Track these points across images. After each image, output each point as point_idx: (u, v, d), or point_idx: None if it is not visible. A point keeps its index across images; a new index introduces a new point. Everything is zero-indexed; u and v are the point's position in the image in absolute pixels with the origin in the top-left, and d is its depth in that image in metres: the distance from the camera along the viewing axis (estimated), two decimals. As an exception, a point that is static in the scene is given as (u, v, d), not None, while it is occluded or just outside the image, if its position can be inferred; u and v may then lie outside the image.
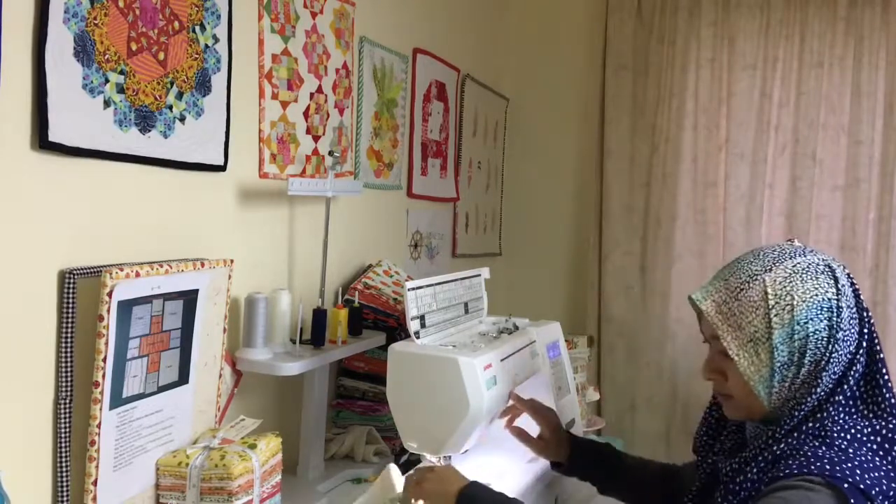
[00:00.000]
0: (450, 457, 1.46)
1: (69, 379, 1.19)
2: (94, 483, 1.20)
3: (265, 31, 1.65)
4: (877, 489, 1.00)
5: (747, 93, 3.04)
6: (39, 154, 1.14)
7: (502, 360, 1.47)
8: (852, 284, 1.13)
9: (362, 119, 2.06)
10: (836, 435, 1.07)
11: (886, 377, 1.13)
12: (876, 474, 1.03)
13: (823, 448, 1.05)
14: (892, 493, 1.03)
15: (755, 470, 1.08)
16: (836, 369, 1.08)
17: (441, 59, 2.53)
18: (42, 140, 1.13)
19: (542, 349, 1.70)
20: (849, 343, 1.09)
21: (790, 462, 1.04)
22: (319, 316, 1.65)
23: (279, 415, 1.77)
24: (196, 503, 1.29)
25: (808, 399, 1.07)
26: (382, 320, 1.91)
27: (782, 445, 1.07)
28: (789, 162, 3.04)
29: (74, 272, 1.18)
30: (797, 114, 3.01)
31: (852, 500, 0.98)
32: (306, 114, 1.81)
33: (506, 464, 1.71)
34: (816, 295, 1.08)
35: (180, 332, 1.36)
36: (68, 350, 1.18)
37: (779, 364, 1.07)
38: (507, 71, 3.17)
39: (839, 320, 1.08)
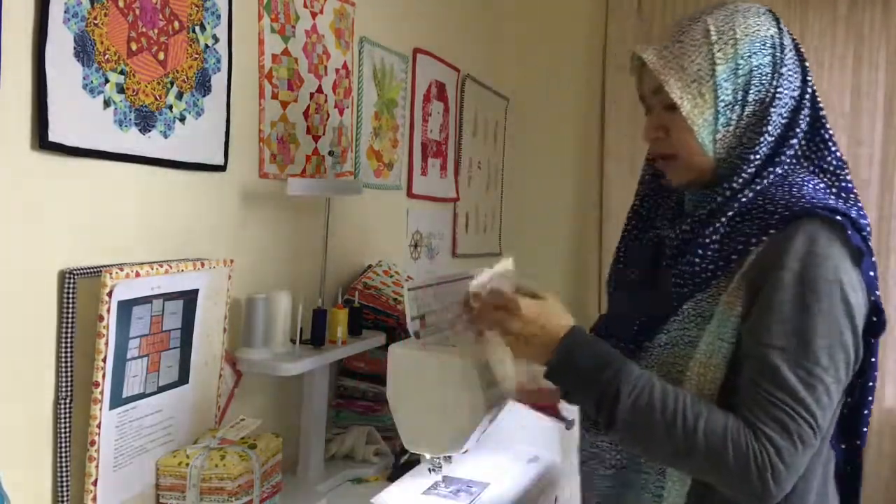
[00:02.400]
0: (450, 457, 1.46)
1: (69, 379, 1.19)
2: (94, 483, 1.20)
3: (265, 31, 1.65)
4: (863, 221, 1.00)
5: (747, 93, 3.04)
6: (39, 154, 1.14)
7: (502, 360, 1.47)
8: (789, 33, 1.10)
9: (362, 119, 2.06)
10: (799, 181, 1.03)
11: (831, 132, 1.09)
12: (851, 213, 1.01)
13: (796, 189, 1.01)
14: (869, 228, 1.02)
15: (724, 221, 1.02)
16: (782, 110, 1.05)
17: (441, 59, 2.53)
18: (42, 140, 1.13)
19: (542, 349, 1.70)
20: (793, 83, 1.06)
21: (770, 208, 1.00)
22: (319, 316, 1.65)
23: (279, 415, 1.77)
24: (196, 503, 1.29)
25: (761, 141, 1.03)
26: (382, 320, 1.91)
27: (749, 195, 1.02)
28: (789, 162, 3.04)
29: (74, 272, 1.18)
30: (797, 114, 3.00)
31: (849, 232, 0.96)
32: (306, 114, 1.81)
33: (506, 464, 1.71)
34: (759, 30, 1.05)
35: (180, 332, 1.36)
36: (68, 350, 1.18)
37: (723, 103, 1.03)
38: (507, 71, 3.17)
39: (783, 56, 1.05)
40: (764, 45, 1.04)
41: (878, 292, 0.98)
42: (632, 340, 1.11)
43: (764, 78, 1.04)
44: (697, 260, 1.03)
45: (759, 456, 0.92)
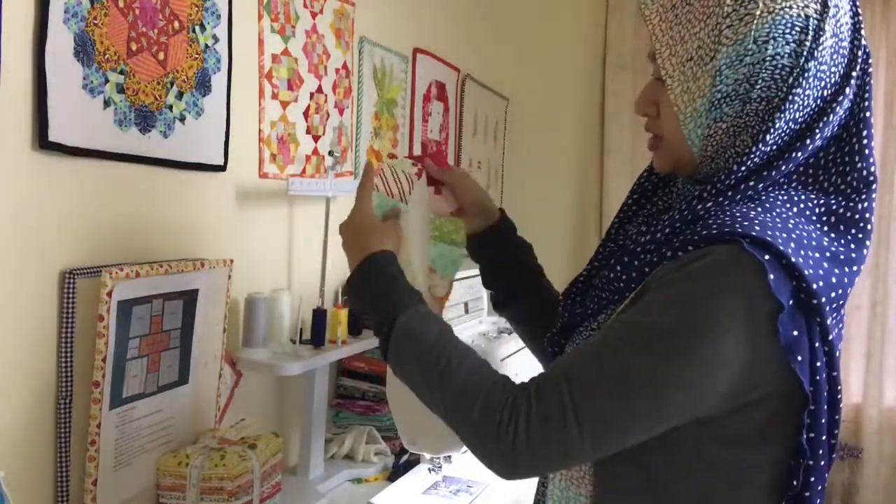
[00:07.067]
0: (450, 457, 1.47)
1: (69, 379, 1.19)
2: (94, 483, 1.20)
3: (265, 31, 1.65)
4: (812, 271, 0.78)
5: (747, 93, 3.04)
6: (39, 154, 1.14)
7: (502, 359, 1.47)
8: (856, 14, 0.89)
9: (362, 119, 2.06)
10: (778, 203, 0.86)
11: (866, 140, 0.88)
12: (818, 255, 0.82)
13: (758, 210, 0.84)
14: (834, 279, 0.81)
15: (666, 230, 0.86)
16: (796, 115, 0.84)
17: (441, 59, 2.53)
18: (42, 140, 1.13)
19: (542, 349, 1.70)
20: (822, 82, 0.85)
21: (709, 221, 0.83)
22: (319, 316, 1.65)
23: (279, 415, 1.77)
24: (196, 503, 1.29)
25: (754, 151, 0.84)
26: (382, 320, 1.91)
27: (709, 205, 0.85)
28: (789, 162, 3.04)
29: (74, 272, 1.18)
30: (797, 114, 3.00)
31: (771, 276, 0.76)
32: (306, 114, 1.81)
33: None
34: (789, 8, 0.82)
35: (180, 332, 1.36)
36: (68, 350, 1.18)
37: (719, 95, 0.84)
38: (507, 71, 3.17)
39: (815, 46, 0.83)
40: (789, 29, 0.83)
41: (799, 357, 0.77)
42: (555, 343, 1.00)
43: (778, 72, 0.83)
44: (619, 267, 0.89)
45: (505, 424, 0.81)
